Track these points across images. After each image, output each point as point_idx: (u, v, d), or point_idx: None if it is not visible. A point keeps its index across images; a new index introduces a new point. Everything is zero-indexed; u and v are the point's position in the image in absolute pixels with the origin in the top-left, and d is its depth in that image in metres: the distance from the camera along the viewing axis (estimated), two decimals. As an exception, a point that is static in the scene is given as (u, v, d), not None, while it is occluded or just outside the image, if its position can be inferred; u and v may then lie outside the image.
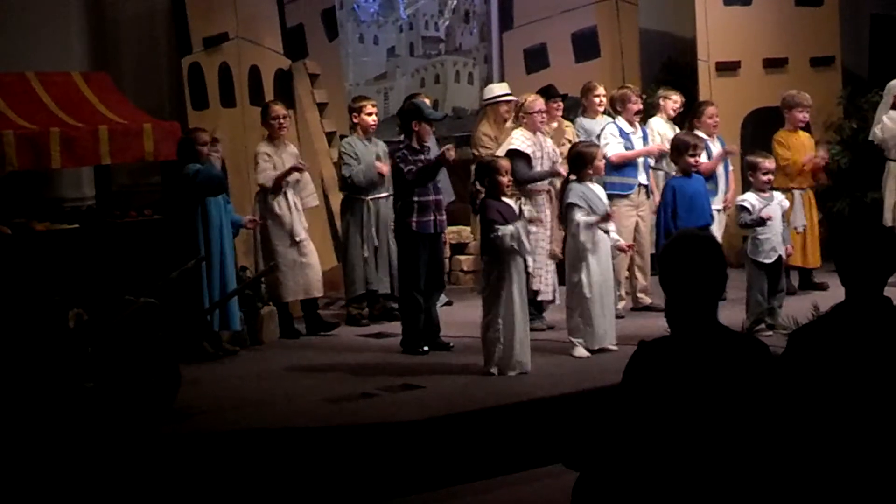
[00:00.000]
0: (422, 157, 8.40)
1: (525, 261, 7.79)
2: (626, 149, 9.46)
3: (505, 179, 7.83)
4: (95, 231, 8.70)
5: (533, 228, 8.24)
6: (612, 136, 9.50)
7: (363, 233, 9.34)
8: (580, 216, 8.09)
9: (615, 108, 9.75)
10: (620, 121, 9.62)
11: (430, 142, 8.75)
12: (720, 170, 9.76)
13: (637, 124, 9.68)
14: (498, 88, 10.32)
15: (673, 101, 10.18)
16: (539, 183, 8.95)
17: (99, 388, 6.63)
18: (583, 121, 10.12)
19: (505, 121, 9.82)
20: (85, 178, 9.55)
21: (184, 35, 9.50)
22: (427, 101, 8.97)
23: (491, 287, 7.72)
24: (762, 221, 8.47)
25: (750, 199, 8.61)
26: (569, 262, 8.29)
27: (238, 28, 9.84)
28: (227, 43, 9.74)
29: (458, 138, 10.56)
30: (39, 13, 9.39)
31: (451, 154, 8.31)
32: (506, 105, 9.90)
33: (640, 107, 9.73)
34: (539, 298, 8.86)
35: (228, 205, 8.58)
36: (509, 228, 7.60)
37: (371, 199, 9.35)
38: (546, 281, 8.87)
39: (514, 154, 8.73)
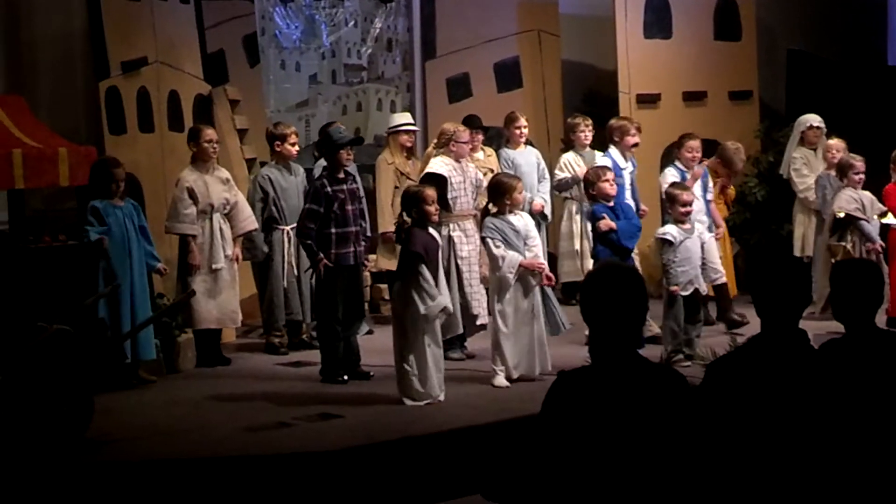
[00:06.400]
0: (344, 186, 8.35)
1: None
2: (618, 184, 9.06)
3: (431, 208, 7.80)
4: (7, 256, 8.52)
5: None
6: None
7: (284, 261, 9.25)
8: (499, 251, 8.09)
9: (613, 138, 9.75)
10: (614, 152, 9.62)
11: (352, 168, 8.71)
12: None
13: (629, 158, 9.70)
14: (399, 118, 10.47)
15: (582, 129, 10.23)
16: (465, 208, 8.94)
17: (9, 417, 6.48)
18: (506, 151, 10.18)
19: (406, 149, 10.11)
20: (-3, 203, 9.36)
21: (101, 58, 9.35)
22: (341, 127, 8.86)
23: (400, 316, 7.67)
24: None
25: (671, 231, 8.62)
26: (491, 292, 8.29)
27: (157, 52, 9.72)
28: (146, 67, 9.61)
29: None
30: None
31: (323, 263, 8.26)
32: (406, 135, 10.18)
33: (638, 140, 9.76)
34: (478, 323, 8.81)
35: (150, 245, 8.51)
36: (436, 306, 7.60)
37: (290, 228, 9.25)
38: (483, 305, 8.83)
39: (429, 178, 8.81)
